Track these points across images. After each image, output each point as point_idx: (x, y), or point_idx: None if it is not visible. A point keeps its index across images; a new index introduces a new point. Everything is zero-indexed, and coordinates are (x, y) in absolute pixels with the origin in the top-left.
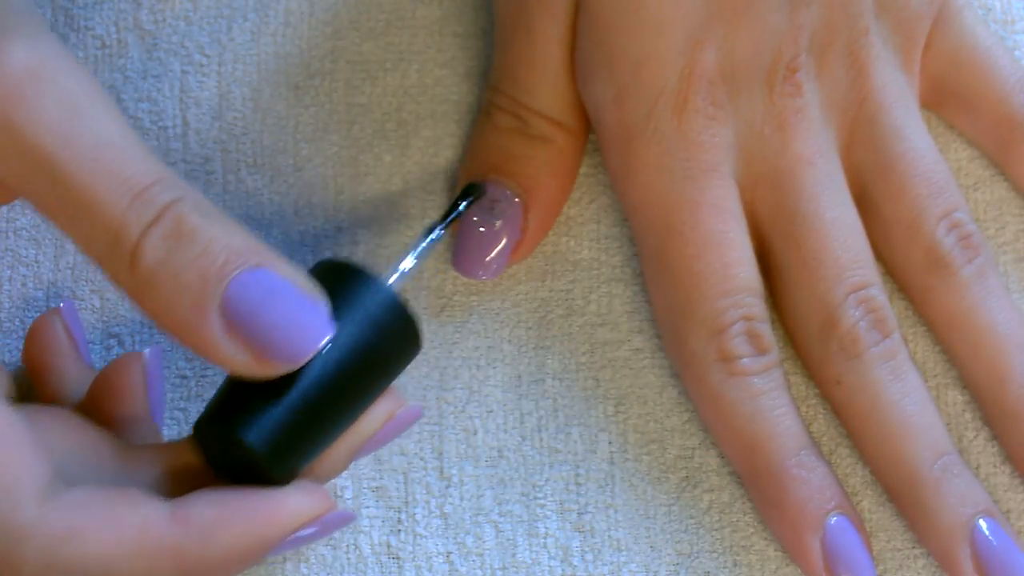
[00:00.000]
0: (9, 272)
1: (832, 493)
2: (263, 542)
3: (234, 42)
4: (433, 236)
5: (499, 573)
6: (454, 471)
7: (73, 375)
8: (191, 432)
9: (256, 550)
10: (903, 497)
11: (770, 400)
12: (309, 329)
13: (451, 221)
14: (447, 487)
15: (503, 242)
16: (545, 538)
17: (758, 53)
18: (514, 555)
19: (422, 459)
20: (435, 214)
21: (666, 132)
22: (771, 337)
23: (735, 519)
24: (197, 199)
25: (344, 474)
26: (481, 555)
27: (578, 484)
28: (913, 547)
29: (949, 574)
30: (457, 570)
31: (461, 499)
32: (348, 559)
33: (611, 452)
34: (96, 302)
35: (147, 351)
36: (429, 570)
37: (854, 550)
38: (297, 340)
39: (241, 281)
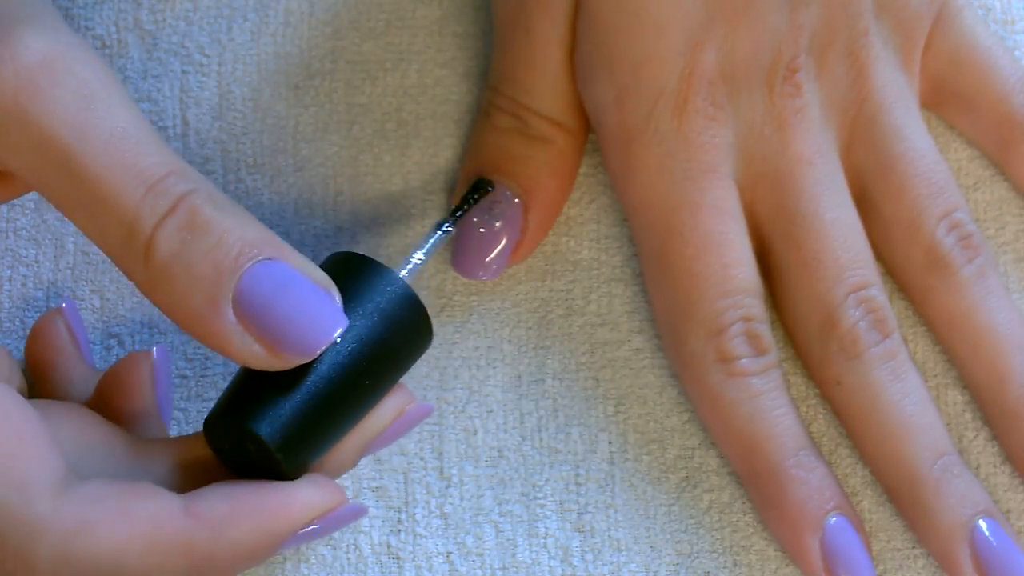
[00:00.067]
0: (9, 272)
1: (831, 493)
2: (275, 535)
3: (234, 42)
4: (443, 231)
5: (499, 573)
6: (454, 471)
7: (75, 374)
8: (193, 431)
9: (268, 544)
10: (903, 497)
11: (769, 400)
12: (322, 321)
13: (461, 216)
14: (447, 487)
15: (503, 242)
16: (545, 538)
17: (758, 53)
18: (514, 555)
19: (422, 459)
20: (435, 214)
21: (666, 133)
22: (770, 338)
23: (735, 519)
24: (211, 190)
25: (344, 474)
26: (481, 555)
27: (578, 484)
28: (913, 547)
29: (949, 574)
30: (457, 570)
31: (461, 499)
32: (348, 559)
33: (611, 452)
34: (96, 302)
35: (155, 349)
36: (429, 570)
37: (853, 550)
38: (310, 332)
39: (254, 273)
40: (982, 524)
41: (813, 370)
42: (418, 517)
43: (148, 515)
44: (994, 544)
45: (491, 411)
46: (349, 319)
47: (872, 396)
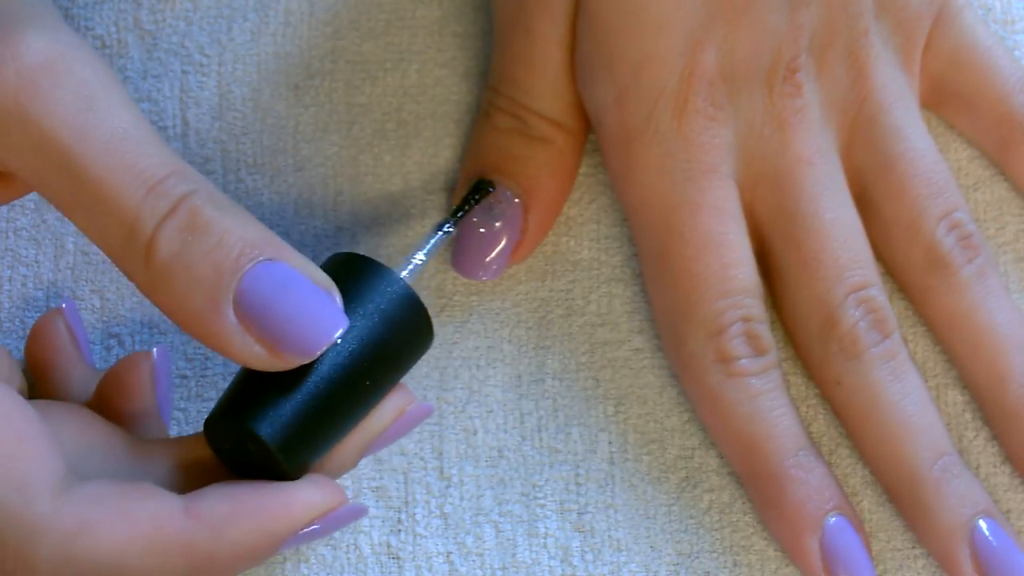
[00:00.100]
0: (9, 272)
1: (831, 493)
2: (276, 536)
3: (234, 42)
4: (444, 231)
5: (499, 573)
6: (454, 471)
7: (75, 374)
8: (193, 431)
9: (269, 544)
10: (903, 497)
11: (768, 401)
12: (323, 321)
13: (462, 217)
14: (447, 487)
15: (503, 243)
16: (545, 538)
17: (758, 53)
18: (514, 555)
19: (422, 459)
20: (435, 214)
21: (666, 133)
22: (770, 338)
23: (735, 519)
24: (211, 191)
25: (344, 474)
26: (481, 555)
27: (578, 484)
28: (913, 547)
29: (949, 574)
30: (457, 570)
31: (461, 499)
32: (348, 559)
33: (611, 452)
34: (96, 302)
35: (155, 349)
36: (429, 570)
37: (853, 550)
38: (311, 332)
39: (255, 274)
40: (982, 524)
41: (813, 370)
42: (418, 517)
43: (148, 515)
44: (994, 544)
45: (491, 411)
46: (350, 320)
47: (872, 396)
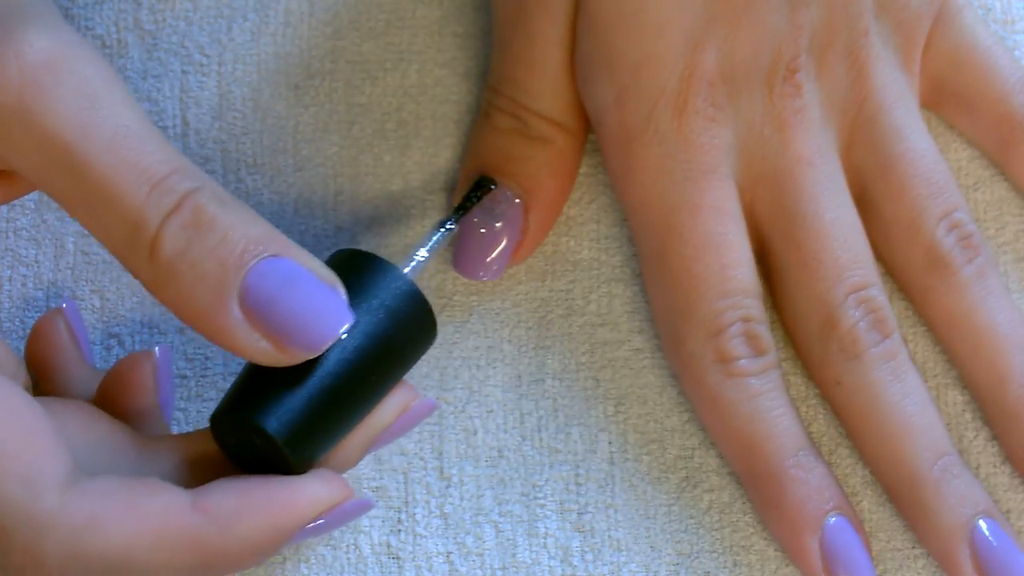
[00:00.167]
0: (9, 272)
1: (830, 493)
2: (283, 529)
3: (234, 42)
4: (446, 229)
5: (499, 573)
6: (454, 471)
7: (76, 374)
8: (200, 426)
9: (276, 538)
10: (903, 497)
11: (768, 401)
12: (328, 316)
13: (464, 214)
14: (447, 487)
15: (504, 243)
16: (545, 538)
17: (758, 54)
18: (514, 555)
19: (422, 459)
20: (435, 214)
21: (666, 133)
22: (769, 338)
23: (735, 519)
24: (214, 188)
25: (348, 471)
26: (481, 555)
27: (578, 484)
28: (913, 547)
29: (949, 574)
30: (457, 570)
31: (461, 499)
32: (348, 559)
33: (611, 452)
34: (96, 302)
35: (157, 349)
36: (429, 570)
37: (853, 550)
38: (317, 327)
39: (260, 270)
40: (982, 524)
41: (813, 370)
42: (418, 517)
43: (157, 510)
44: (994, 544)
45: (491, 411)
46: (355, 315)
47: (872, 396)
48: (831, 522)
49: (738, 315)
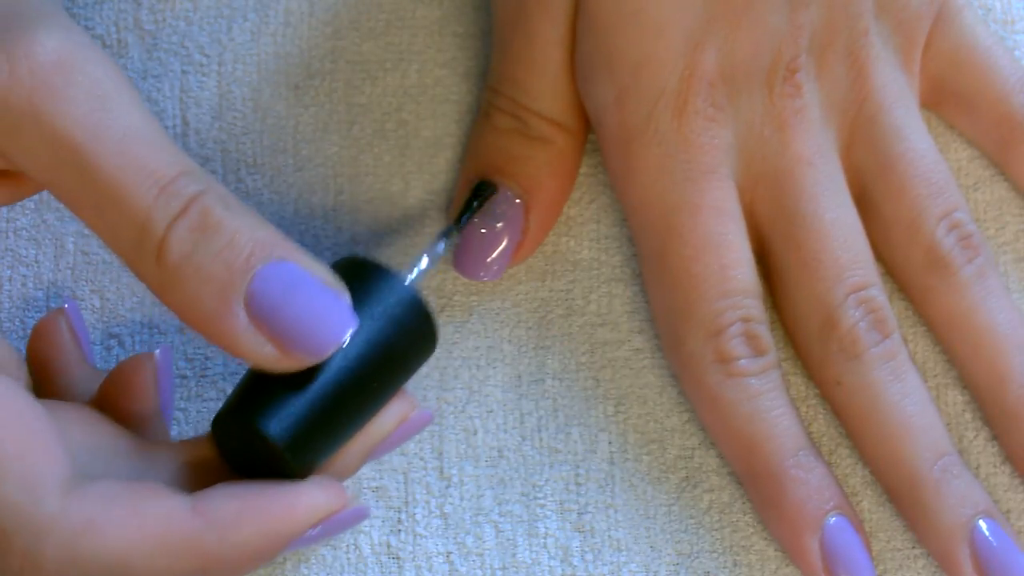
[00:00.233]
0: (9, 272)
1: (831, 493)
2: (282, 535)
3: (234, 42)
4: (449, 237)
5: (499, 573)
6: (454, 471)
7: (77, 375)
8: (192, 434)
9: (275, 544)
10: (903, 497)
11: (768, 401)
12: (333, 322)
13: (467, 222)
14: (447, 487)
15: (504, 243)
16: (545, 538)
17: (758, 54)
18: (514, 555)
19: (422, 459)
20: (435, 214)
21: (666, 134)
22: (769, 338)
23: (735, 519)
24: (221, 191)
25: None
26: (481, 555)
27: (578, 484)
28: (913, 547)
29: (949, 575)
30: (457, 570)
31: (461, 499)
32: (348, 559)
33: (611, 452)
34: (96, 302)
35: (157, 351)
36: (429, 570)
37: (853, 550)
38: (321, 333)
39: (266, 274)
40: (982, 524)
41: (813, 370)
42: (418, 517)
43: (156, 515)
44: (994, 544)
45: (491, 411)
46: (358, 322)
47: (872, 396)
48: (831, 522)
49: (738, 315)
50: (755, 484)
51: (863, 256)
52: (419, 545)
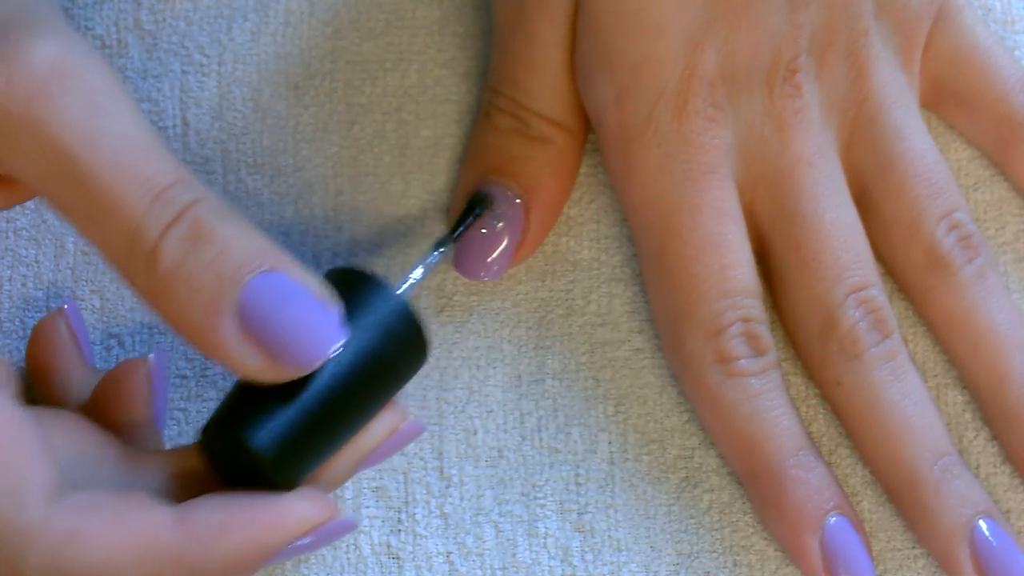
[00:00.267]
0: (9, 272)
1: (831, 493)
2: (266, 548)
3: (234, 42)
4: (443, 250)
5: (499, 573)
6: (454, 471)
7: (76, 376)
8: (192, 433)
9: (260, 556)
10: (903, 498)
11: (768, 401)
12: (322, 334)
13: (461, 233)
14: (447, 487)
15: (504, 243)
16: (545, 538)
17: (758, 54)
18: (514, 555)
19: (422, 459)
20: (435, 214)
21: (666, 134)
22: (769, 338)
23: (735, 519)
24: (215, 200)
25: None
26: (481, 555)
27: (578, 484)
28: (913, 547)
29: (949, 574)
30: (457, 570)
31: (461, 499)
32: (348, 559)
33: (611, 452)
34: (96, 302)
35: (151, 355)
36: (429, 570)
37: (853, 550)
38: (310, 344)
39: (256, 284)
40: (982, 524)
41: (813, 370)
42: (418, 517)
43: (140, 526)
44: (994, 544)
45: (491, 411)
46: (348, 334)
47: (872, 396)
48: (831, 522)
49: (738, 315)
50: (755, 484)
51: (863, 256)
52: (419, 545)
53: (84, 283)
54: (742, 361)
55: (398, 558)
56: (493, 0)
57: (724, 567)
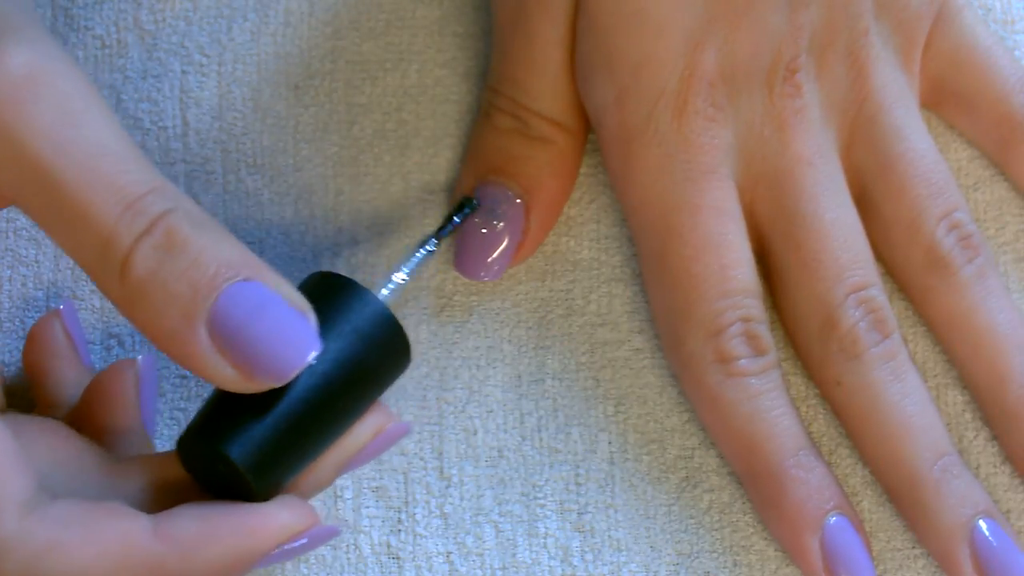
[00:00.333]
0: (9, 272)
1: (831, 493)
2: (245, 557)
3: (234, 42)
4: (426, 249)
5: (499, 573)
6: (454, 471)
7: (71, 378)
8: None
9: (238, 565)
10: (903, 498)
11: (768, 401)
12: (296, 344)
13: (445, 235)
14: (447, 487)
15: (505, 243)
16: (545, 538)
17: (758, 54)
18: (514, 555)
19: (422, 459)
20: (435, 214)
21: (666, 134)
22: (769, 338)
23: (735, 519)
24: (190, 209)
25: (344, 474)
26: (481, 555)
27: (578, 484)
28: (913, 547)
29: (949, 574)
30: (457, 570)
31: (461, 499)
32: (348, 559)
33: (611, 452)
34: (96, 302)
35: (140, 358)
36: (429, 570)
37: (853, 550)
38: (283, 355)
39: (230, 294)
40: (982, 524)
41: (813, 370)
42: (418, 517)
43: (117, 536)
44: (994, 544)
45: (491, 411)
46: (325, 340)
47: (872, 396)
48: (831, 522)
49: (738, 315)
50: (755, 484)
51: (863, 256)
52: (419, 545)
53: (84, 283)
54: (742, 361)
55: (398, 558)
56: (493, 0)
57: (724, 567)
